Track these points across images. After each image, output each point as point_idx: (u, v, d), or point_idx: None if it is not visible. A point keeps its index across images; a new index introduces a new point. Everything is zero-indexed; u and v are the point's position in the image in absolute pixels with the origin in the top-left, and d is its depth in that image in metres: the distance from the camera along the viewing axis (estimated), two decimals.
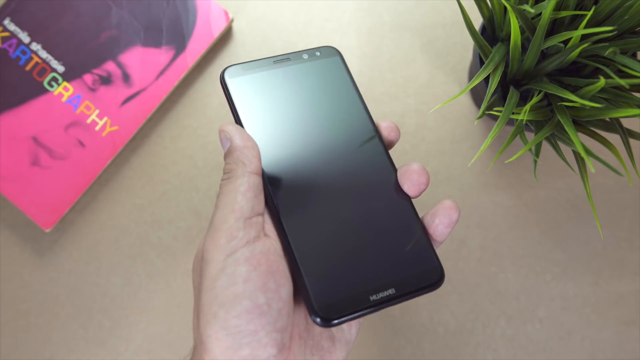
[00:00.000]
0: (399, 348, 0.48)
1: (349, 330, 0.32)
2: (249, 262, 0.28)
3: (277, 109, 0.33)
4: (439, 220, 0.31)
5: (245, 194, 0.29)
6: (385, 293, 0.29)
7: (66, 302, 0.49)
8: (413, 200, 0.49)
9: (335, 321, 0.28)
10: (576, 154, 0.39)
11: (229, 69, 0.33)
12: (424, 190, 0.32)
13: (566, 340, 0.49)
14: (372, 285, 0.29)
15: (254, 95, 0.33)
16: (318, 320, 0.28)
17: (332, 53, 0.35)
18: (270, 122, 0.32)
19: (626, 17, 0.36)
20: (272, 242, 0.29)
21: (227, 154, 0.31)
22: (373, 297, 0.29)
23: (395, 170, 0.33)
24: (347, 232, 0.30)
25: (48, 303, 0.49)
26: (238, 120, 0.32)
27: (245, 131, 0.31)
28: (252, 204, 0.29)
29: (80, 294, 0.49)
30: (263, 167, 0.31)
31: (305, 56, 0.35)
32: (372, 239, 0.31)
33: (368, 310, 0.29)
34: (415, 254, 0.31)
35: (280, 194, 0.31)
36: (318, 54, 0.35)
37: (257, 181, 0.30)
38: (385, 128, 0.34)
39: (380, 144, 0.33)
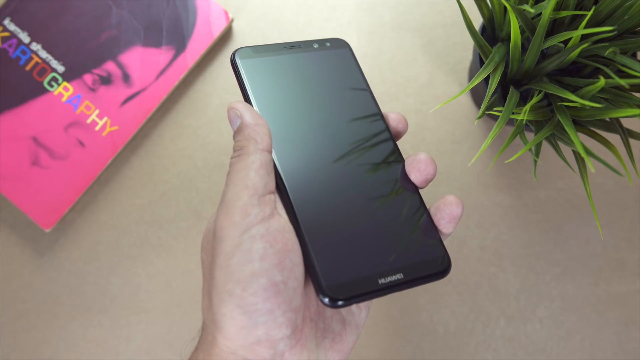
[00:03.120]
0: (399, 348, 0.48)
1: (359, 313, 0.31)
2: (265, 239, 0.27)
3: (287, 93, 0.33)
4: (441, 215, 0.31)
5: (258, 171, 0.29)
6: (394, 277, 0.29)
7: (66, 302, 0.49)
8: None
9: (343, 302, 0.28)
10: (576, 154, 0.39)
11: (240, 50, 0.33)
12: (431, 180, 0.32)
13: (566, 340, 0.49)
14: (380, 268, 0.29)
15: (264, 78, 0.33)
16: (326, 300, 0.28)
17: (341, 45, 0.36)
18: (281, 104, 0.32)
19: (626, 17, 0.36)
20: (286, 221, 0.29)
21: (238, 132, 0.30)
22: (381, 281, 0.29)
23: (402, 160, 0.33)
24: (356, 215, 0.30)
25: (48, 303, 0.49)
26: (248, 101, 0.32)
27: (255, 109, 0.31)
28: (265, 181, 0.29)
29: (80, 294, 0.49)
30: (272, 148, 0.31)
31: (315, 45, 0.35)
32: (381, 224, 0.31)
33: (376, 293, 0.29)
34: (423, 242, 0.31)
35: (289, 175, 0.30)
36: (328, 44, 0.35)
37: (269, 159, 0.30)
38: (394, 119, 0.34)
39: (388, 135, 0.33)
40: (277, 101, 0.32)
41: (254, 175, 0.28)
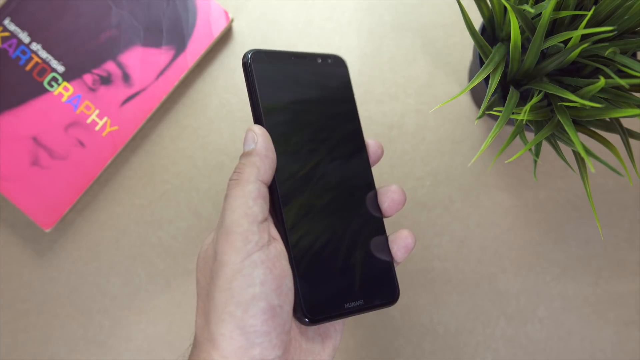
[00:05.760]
0: (399, 348, 0.49)
1: (335, 330, 0.34)
2: (265, 265, 0.29)
3: (289, 108, 0.35)
4: (397, 247, 0.35)
5: (256, 200, 0.31)
6: (356, 303, 0.33)
7: (66, 302, 0.49)
8: (408, 202, 0.50)
9: (317, 323, 0.32)
10: (576, 154, 0.39)
11: (254, 53, 0.34)
12: (400, 210, 0.36)
13: (566, 340, 0.49)
14: (348, 294, 0.33)
15: (272, 87, 0.35)
16: (306, 320, 0.31)
17: (341, 64, 0.38)
18: (282, 122, 0.34)
19: (626, 17, 0.36)
20: (282, 247, 0.31)
21: (247, 154, 0.32)
22: (347, 305, 0.33)
23: (375, 189, 0.36)
24: (334, 244, 0.34)
25: (48, 303, 0.49)
26: (256, 104, 0.34)
27: (269, 139, 0.33)
28: (262, 209, 0.31)
29: (80, 294, 0.49)
30: (277, 175, 0.33)
31: (319, 60, 0.37)
32: (352, 253, 0.34)
33: (343, 315, 0.33)
34: (381, 273, 0.35)
35: (287, 203, 0.33)
36: (329, 61, 0.37)
37: (265, 190, 0.32)
38: (373, 146, 0.37)
39: (367, 162, 0.37)
40: (279, 116, 0.34)
41: (252, 204, 0.30)
